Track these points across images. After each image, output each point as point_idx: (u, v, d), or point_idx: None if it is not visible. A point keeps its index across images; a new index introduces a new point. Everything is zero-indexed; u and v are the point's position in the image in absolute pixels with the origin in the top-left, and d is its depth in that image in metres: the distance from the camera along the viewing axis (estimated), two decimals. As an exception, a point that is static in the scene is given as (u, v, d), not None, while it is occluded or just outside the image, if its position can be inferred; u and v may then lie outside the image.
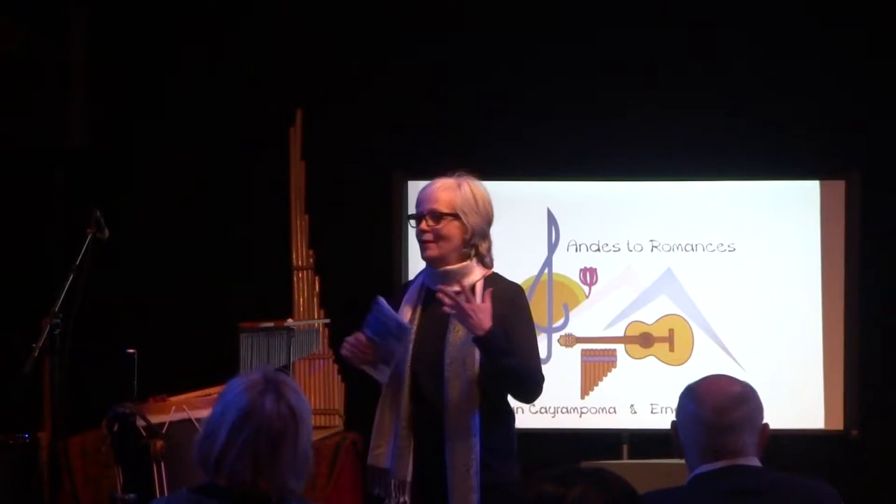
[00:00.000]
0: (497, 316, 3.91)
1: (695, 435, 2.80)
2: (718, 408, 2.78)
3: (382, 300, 3.91)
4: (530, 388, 3.97)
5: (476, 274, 4.00)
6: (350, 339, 3.93)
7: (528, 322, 4.03)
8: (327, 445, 5.50)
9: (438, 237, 3.97)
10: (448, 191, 4.01)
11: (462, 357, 3.92)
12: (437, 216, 3.97)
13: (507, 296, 4.00)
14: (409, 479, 3.91)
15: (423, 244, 4.00)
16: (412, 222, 4.04)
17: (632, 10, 6.10)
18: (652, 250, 5.91)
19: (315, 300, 5.91)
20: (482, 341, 3.85)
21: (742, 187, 5.93)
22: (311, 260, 5.96)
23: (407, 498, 3.91)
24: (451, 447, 3.88)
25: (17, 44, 5.70)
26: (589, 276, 5.90)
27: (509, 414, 4.04)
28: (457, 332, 3.94)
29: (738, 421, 2.78)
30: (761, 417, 2.83)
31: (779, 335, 5.84)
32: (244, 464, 2.50)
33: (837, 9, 6.03)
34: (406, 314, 4.01)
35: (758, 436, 2.81)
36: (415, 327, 3.99)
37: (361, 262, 5.93)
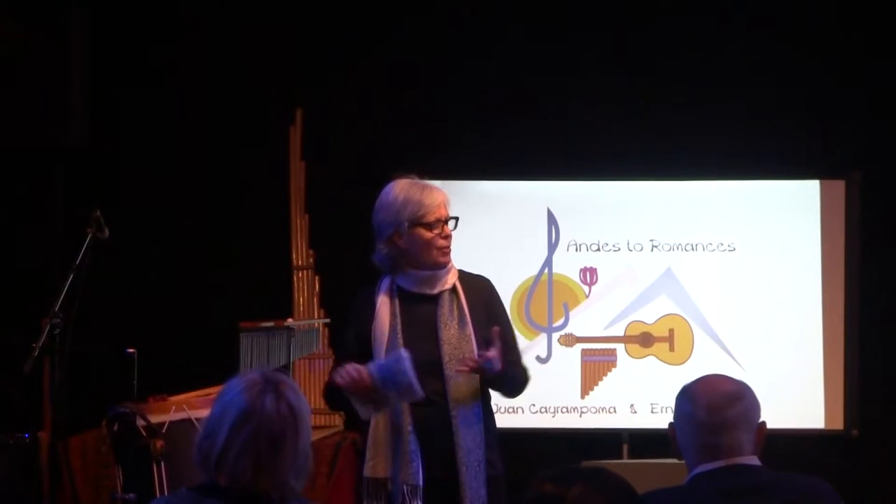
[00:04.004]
0: (484, 309, 4.04)
1: (690, 434, 2.80)
2: (712, 406, 2.78)
3: (406, 355, 3.84)
4: (524, 387, 4.15)
5: (453, 272, 4.05)
6: (350, 369, 3.84)
7: (506, 312, 4.18)
8: (327, 445, 5.51)
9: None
10: (445, 195, 4.03)
11: (461, 352, 3.97)
12: (448, 221, 4.00)
13: (485, 288, 4.12)
14: (420, 483, 3.91)
15: (443, 250, 3.99)
16: (422, 227, 3.98)
17: (632, 10, 6.10)
18: (652, 250, 5.91)
19: (315, 300, 5.91)
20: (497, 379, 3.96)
21: (742, 187, 5.93)
22: (311, 260, 5.96)
23: (420, 502, 3.91)
24: (462, 444, 3.93)
25: (17, 44, 5.70)
26: (589, 275, 5.90)
27: (492, 408, 4.12)
28: (449, 329, 3.97)
29: (733, 419, 2.78)
30: (758, 416, 2.83)
31: (779, 335, 5.83)
32: (244, 463, 2.51)
33: (838, 8, 6.03)
34: (386, 320, 3.99)
35: (755, 434, 2.81)
36: (399, 331, 3.98)
37: (361, 262, 5.92)
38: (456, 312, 4.01)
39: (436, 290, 4.02)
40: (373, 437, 3.97)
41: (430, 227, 3.97)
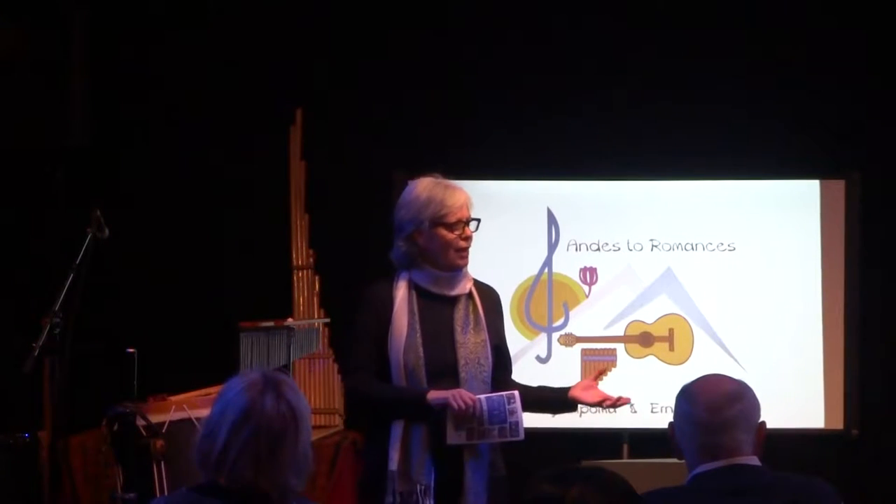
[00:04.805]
0: (495, 318, 4.09)
1: (690, 434, 2.80)
2: (712, 406, 2.78)
3: (518, 395, 3.93)
4: None
5: (469, 277, 4.07)
6: (466, 397, 3.86)
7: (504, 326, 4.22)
8: (327, 445, 5.51)
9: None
10: (468, 195, 4.04)
11: (476, 357, 3.99)
12: (469, 223, 4.00)
13: (495, 299, 4.15)
14: (432, 483, 3.92)
15: (461, 253, 3.99)
16: (444, 227, 3.97)
17: (632, 10, 6.10)
18: (652, 250, 5.91)
19: (315, 300, 5.91)
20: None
21: (742, 187, 5.93)
22: (311, 260, 5.96)
23: (432, 501, 3.92)
24: (472, 446, 3.94)
25: (17, 44, 5.70)
26: (589, 275, 5.90)
27: None
28: (466, 334, 3.99)
29: (732, 419, 2.77)
30: (757, 416, 2.83)
31: (779, 335, 5.83)
32: (245, 463, 2.51)
33: (838, 8, 6.03)
34: (404, 317, 3.98)
35: (754, 434, 2.81)
36: (418, 329, 3.98)
37: (361, 262, 5.93)
38: (472, 317, 4.02)
39: (454, 292, 4.03)
40: (395, 435, 3.95)
41: (451, 227, 3.97)
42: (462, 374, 3.95)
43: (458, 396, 3.86)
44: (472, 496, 3.92)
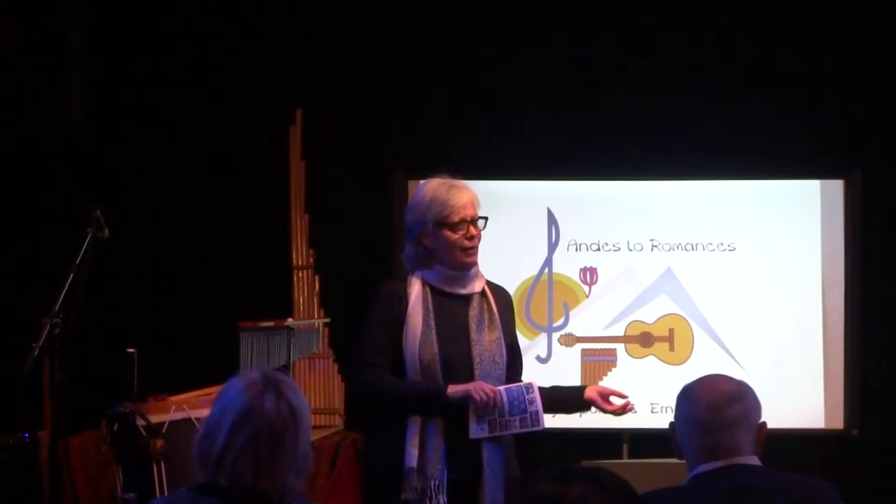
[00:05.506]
0: (508, 318, 4.13)
1: (690, 434, 2.80)
2: (712, 406, 2.78)
3: (536, 386, 3.97)
4: None
5: (481, 276, 4.08)
6: (488, 389, 3.91)
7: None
8: (327, 445, 5.51)
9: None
10: (473, 194, 4.04)
11: (491, 355, 4.02)
12: (477, 221, 4.01)
13: (508, 300, 4.19)
14: (445, 480, 3.93)
15: (469, 251, 4.01)
16: (447, 228, 3.98)
17: (633, 11, 6.10)
18: (652, 250, 5.91)
19: (315, 300, 5.91)
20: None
21: (742, 187, 5.93)
22: (311, 260, 5.96)
23: (445, 498, 3.93)
24: (489, 444, 3.96)
25: (17, 44, 5.70)
26: (589, 275, 5.90)
27: None
28: (481, 331, 4.02)
29: (732, 419, 2.78)
30: (758, 416, 2.83)
31: (779, 335, 5.83)
32: (245, 463, 2.51)
33: (838, 8, 6.03)
34: (419, 315, 4.00)
35: (755, 434, 2.81)
36: (433, 326, 4.00)
37: (361, 262, 5.94)
38: (486, 315, 4.05)
39: (466, 291, 4.05)
40: (412, 431, 3.95)
41: (454, 227, 3.98)
42: (477, 371, 3.98)
43: (479, 388, 3.90)
44: (490, 494, 3.93)
